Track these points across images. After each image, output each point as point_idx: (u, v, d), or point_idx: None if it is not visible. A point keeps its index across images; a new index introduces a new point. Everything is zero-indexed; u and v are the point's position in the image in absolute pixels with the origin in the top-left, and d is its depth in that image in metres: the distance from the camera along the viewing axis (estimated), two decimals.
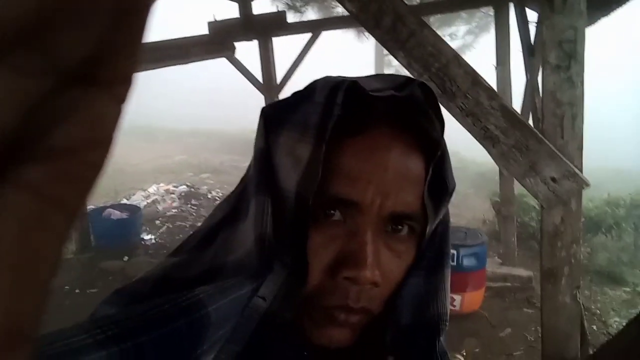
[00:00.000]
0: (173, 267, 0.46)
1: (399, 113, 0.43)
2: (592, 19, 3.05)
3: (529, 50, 3.71)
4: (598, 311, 4.48)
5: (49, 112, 0.13)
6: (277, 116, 0.45)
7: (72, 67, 0.13)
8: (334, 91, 0.41)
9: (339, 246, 0.41)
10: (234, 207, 0.47)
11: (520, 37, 3.87)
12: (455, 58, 2.23)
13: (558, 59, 2.08)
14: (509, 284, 4.37)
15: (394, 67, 11.73)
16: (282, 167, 0.42)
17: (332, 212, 0.42)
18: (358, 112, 0.41)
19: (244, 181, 0.48)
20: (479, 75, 2.31)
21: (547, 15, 2.05)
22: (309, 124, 0.41)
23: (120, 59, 0.14)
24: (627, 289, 5.10)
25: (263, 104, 0.63)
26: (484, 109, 2.12)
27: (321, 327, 0.43)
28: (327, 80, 0.43)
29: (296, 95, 0.46)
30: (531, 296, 4.18)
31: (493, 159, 2.08)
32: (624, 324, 2.32)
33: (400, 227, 0.43)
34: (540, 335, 2.21)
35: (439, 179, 0.45)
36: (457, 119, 2.47)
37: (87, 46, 0.13)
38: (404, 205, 0.42)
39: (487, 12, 9.01)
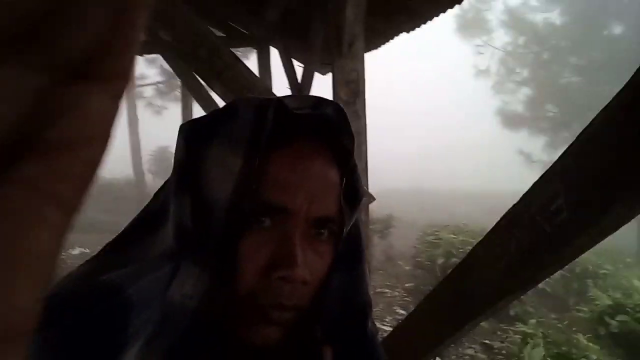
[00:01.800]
0: (85, 272, 0.45)
1: (316, 129, 0.49)
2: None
3: (296, 89, 4.21)
4: None
5: (47, 108, 0.13)
6: (200, 131, 0.48)
7: (70, 63, 0.13)
8: (263, 108, 0.45)
9: (270, 250, 0.45)
10: (153, 214, 0.49)
11: (287, 77, 4.35)
12: (267, 91, 2.39)
13: (347, 95, 2.47)
14: None
15: None
16: (211, 178, 0.45)
17: (263, 219, 0.45)
18: (283, 127, 0.46)
19: (158, 195, 0.51)
20: None
21: (337, 60, 2.42)
22: (238, 139, 0.45)
23: (117, 55, 0.14)
24: None
25: None
26: None
27: (255, 326, 0.45)
28: (249, 99, 0.48)
29: (217, 112, 0.49)
30: None
31: None
32: None
33: (322, 230, 0.48)
34: None
35: (351, 186, 0.51)
36: None
37: (84, 43, 0.13)
38: (326, 210, 0.48)
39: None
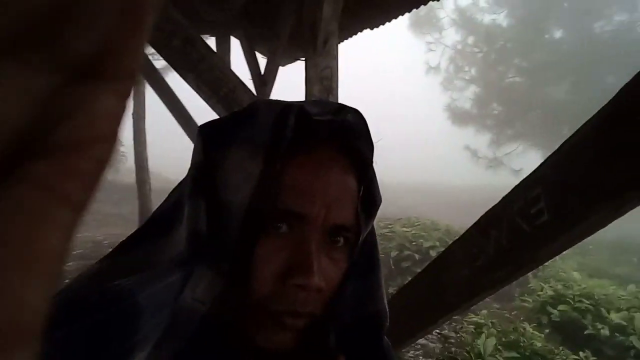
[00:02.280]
0: (95, 274, 0.45)
1: (336, 135, 0.48)
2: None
3: (260, 80, 4.15)
4: None
5: (56, 107, 0.13)
6: (219, 134, 0.48)
7: (79, 63, 0.13)
8: (284, 114, 0.45)
9: (286, 256, 0.44)
10: (166, 216, 0.49)
11: (250, 69, 4.28)
12: (241, 84, 2.36)
13: (320, 92, 2.48)
14: None
15: None
16: (228, 181, 0.45)
17: (280, 224, 0.45)
18: (303, 134, 0.45)
19: (172, 195, 0.50)
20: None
21: (311, 56, 2.43)
22: (258, 143, 0.44)
23: (125, 55, 0.14)
24: None
25: None
26: None
27: (269, 331, 0.45)
28: (271, 103, 0.48)
29: (237, 115, 0.49)
30: None
31: None
32: None
33: (338, 238, 0.48)
34: None
35: (369, 194, 0.51)
36: None
37: (93, 42, 0.13)
38: (343, 218, 0.47)
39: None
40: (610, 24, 14.72)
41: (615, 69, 13.72)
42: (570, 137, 1.05)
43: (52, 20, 0.12)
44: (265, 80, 4.13)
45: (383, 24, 3.90)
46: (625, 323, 4.63)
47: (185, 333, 0.42)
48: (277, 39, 3.86)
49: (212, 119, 0.50)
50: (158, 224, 0.49)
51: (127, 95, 0.15)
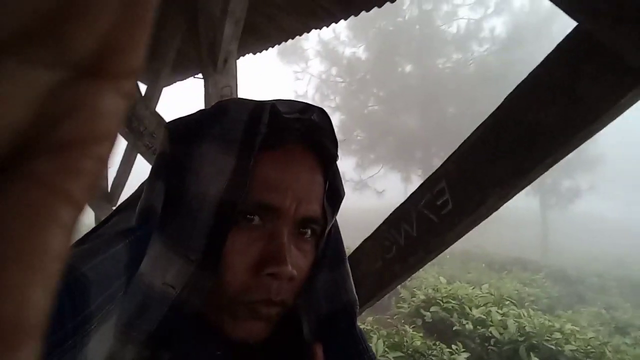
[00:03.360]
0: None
1: (304, 133, 0.50)
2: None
3: (141, 100, 4.00)
4: None
5: (58, 105, 0.13)
6: (188, 130, 0.49)
7: (80, 60, 0.13)
8: (258, 111, 0.47)
9: (259, 247, 0.47)
10: (127, 203, 0.51)
11: None
12: (142, 100, 2.30)
13: None
14: None
15: None
16: (201, 175, 0.46)
17: (252, 217, 0.47)
18: (274, 131, 0.48)
19: (139, 188, 0.51)
20: (163, 118, 2.47)
21: (210, 74, 2.48)
22: (231, 139, 0.46)
23: (127, 52, 0.14)
24: None
25: None
26: None
27: (243, 321, 0.47)
28: (242, 101, 0.50)
29: (206, 113, 0.50)
30: None
31: None
32: None
33: (306, 230, 0.50)
34: None
35: (333, 188, 0.54)
36: (143, 157, 2.50)
37: (94, 40, 0.13)
38: (312, 211, 0.50)
39: None
40: (449, 61, 17.11)
41: (454, 100, 15.94)
42: (467, 138, 1.30)
43: (53, 17, 0.12)
44: (149, 98, 4.00)
45: (271, 46, 4.05)
46: (484, 317, 5.35)
47: (156, 316, 0.43)
48: (162, 61, 3.78)
49: (179, 117, 0.52)
50: (118, 209, 0.51)
51: (128, 94, 0.14)
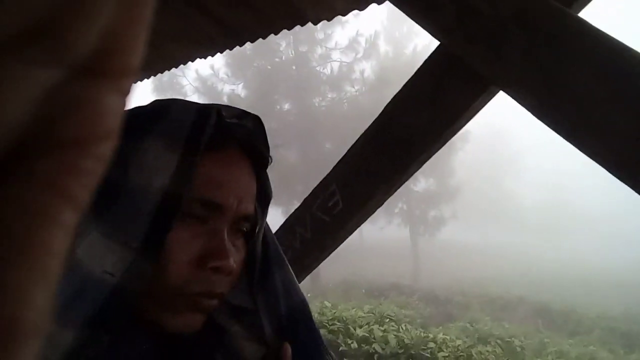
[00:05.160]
0: None
1: (242, 137, 0.53)
2: None
3: None
4: None
5: (58, 104, 0.13)
6: (129, 124, 0.58)
7: (79, 59, 0.13)
8: (206, 113, 0.50)
9: (202, 242, 0.49)
10: None
11: None
12: None
13: None
14: None
15: None
16: (145, 167, 0.47)
17: (196, 212, 0.49)
18: (217, 133, 0.50)
19: None
20: None
21: None
22: (177, 136, 0.48)
23: (126, 51, 0.14)
24: None
25: None
26: None
27: (181, 313, 0.48)
28: (185, 103, 0.52)
29: (146, 108, 0.51)
30: None
31: None
32: None
33: (240, 227, 0.53)
34: None
35: (264, 190, 0.57)
36: None
37: (94, 39, 0.13)
38: (248, 210, 0.52)
39: None
40: (325, 100, 18.14)
41: (331, 136, 16.86)
42: (354, 143, 1.45)
43: (52, 16, 0.12)
44: None
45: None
46: (367, 335, 5.63)
47: (95, 300, 0.44)
48: None
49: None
50: None
51: (128, 92, 0.15)
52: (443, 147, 1.31)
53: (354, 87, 18.05)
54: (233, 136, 0.52)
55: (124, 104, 0.14)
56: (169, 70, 3.68)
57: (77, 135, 0.13)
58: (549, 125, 0.96)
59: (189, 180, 0.47)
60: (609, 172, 0.87)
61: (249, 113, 0.55)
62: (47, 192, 0.13)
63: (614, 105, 0.83)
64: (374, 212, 1.45)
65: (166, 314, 0.48)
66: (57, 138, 0.13)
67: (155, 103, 0.52)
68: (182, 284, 0.47)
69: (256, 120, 0.55)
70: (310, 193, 1.60)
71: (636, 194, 0.86)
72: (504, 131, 40.22)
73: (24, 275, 0.12)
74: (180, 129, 0.48)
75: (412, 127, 1.28)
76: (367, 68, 17.93)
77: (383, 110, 1.39)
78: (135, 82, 0.15)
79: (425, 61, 1.26)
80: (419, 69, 1.28)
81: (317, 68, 18.07)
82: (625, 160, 0.84)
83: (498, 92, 1.13)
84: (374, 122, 1.40)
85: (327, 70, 17.99)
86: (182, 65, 3.53)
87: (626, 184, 0.86)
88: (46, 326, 0.13)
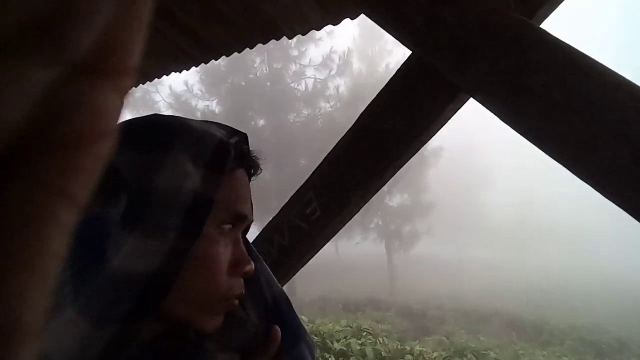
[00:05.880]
0: None
1: (245, 156, 0.58)
2: None
3: None
4: None
5: (56, 104, 0.13)
6: (158, 135, 0.51)
7: (78, 59, 0.13)
8: (233, 134, 0.55)
9: (230, 250, 0.54)
10: None
11: None
12: None
13: None
14: None
15: None
16: (174, 175, 0.48)
17: (228, 225, 0.53)
18: (237, 153, 0.55)
19: None
20: None
21: None
22: (201, 153, 0.50)
23: (125, 51, 0.14)
24: None
25: None
26: None
27: (219, 315, 0.53)
28: (205, 123, 0.55)
29: (164, 122, 0.52)
30: None
31: None
32: None
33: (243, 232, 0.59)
34: None
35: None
36: None
37: (92, 38, 0.13)
38: (252, 218, 0.58)
39: None
40: (299, 116, 18.25)
41: (305, 152, 16.94)
42: (331, 150, 1.49)
43: (51, 16, 0.12)
44: None
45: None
46: (345, 348, 5.61)
47: (129, 299, 0.44)
48: None
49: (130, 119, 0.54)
50: None
51: (126, 92, 0.15)
52: (417, 163, 1.37)
53: (328, 103, 18.24)
54: (243, 156, 0.58)
55: (122, 104, 0.14)
56: (143, 84, 3.67)
57: (76, 135, 0.13)
58: (515, 129, 1.02)
59: (214, 194, 0.50)
60: (571, 172, 0.93)
61: (237, 131, 0.58)
62: (45, 192, 0.13)
63: (572, 108, 0.89)
64: (352, 218, 1.48)
65: (205, 317, 0.51)
66: (55, 137, 0.13)
67: (176, 119, 0.54)
68: (226, 291, 0.52)
69: (244, 136, 0.59)
70: (288, 201, 1.62)
71: (603, 210, 0.91)
72: (475, 147, 41.28)
73: (22, 274, 0.12)
74: (207, 147, 0.51)
75: (387, 133, 1.32)
76: (341, 84, 18.18)
77: (358, 118, 1.43)
78: (135, 82, 0.15)
79: (399, 69, 1.31)
80: (393, 77, 1.33)
81: (292, 84, 18.21)
82: (584, 160, 0.90)
83: (468, 98, 1.18)
84: (349, 129, 1.44)
85: (302, 87, 18.16)
86: (155, 81, 3.52)
87: (587, 182, 0.91)
88: (45, 326, 0.13)
